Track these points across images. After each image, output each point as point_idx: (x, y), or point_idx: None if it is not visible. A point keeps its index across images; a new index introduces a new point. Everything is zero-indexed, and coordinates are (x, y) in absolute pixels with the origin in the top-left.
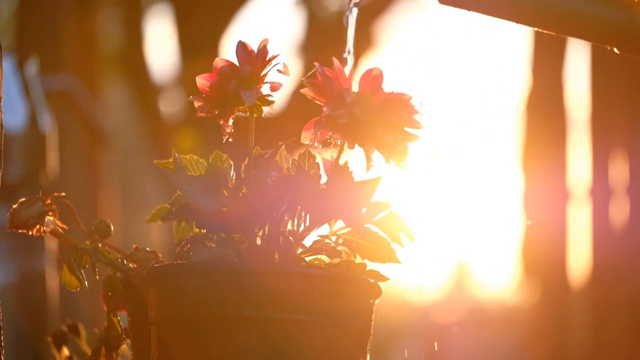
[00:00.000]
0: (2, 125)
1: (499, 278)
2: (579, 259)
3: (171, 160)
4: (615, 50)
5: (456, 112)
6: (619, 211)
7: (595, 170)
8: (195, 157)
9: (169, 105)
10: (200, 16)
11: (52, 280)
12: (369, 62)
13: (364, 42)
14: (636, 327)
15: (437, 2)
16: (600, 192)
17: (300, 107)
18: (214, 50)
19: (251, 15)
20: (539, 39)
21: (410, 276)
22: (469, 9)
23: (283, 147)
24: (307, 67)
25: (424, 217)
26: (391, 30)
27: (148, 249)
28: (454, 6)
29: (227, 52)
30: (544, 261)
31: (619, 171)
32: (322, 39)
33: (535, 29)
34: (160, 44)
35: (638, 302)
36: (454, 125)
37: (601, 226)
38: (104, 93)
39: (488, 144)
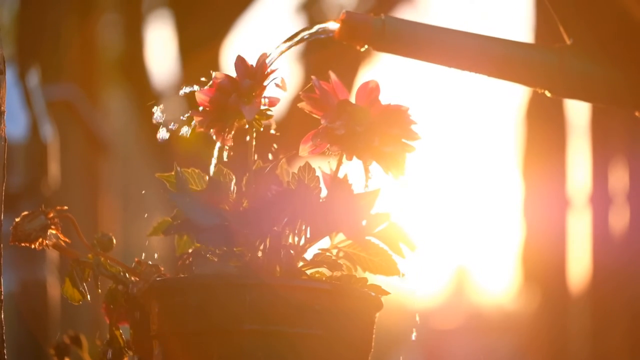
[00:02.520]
0: (6, 139)
1: (498, 284)
2: (579, 266)
3: (172, 173)
4: (547, 93)
5: (456, 119)
6: (619, 218)
7: (595, 177)
8: (197, 171)
9: (171, 113)
10: (201, 23)
11: (53, 290)
12: (368, 69)
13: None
14: (636, 333)
15: (372, 49)
16: (600, 198)
17: (300, 114)
18: (214, 57)
19: (251, 22)
20: (538, 43)
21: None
22: (403, 55)
23: (283, 160)
24: (307, 73)
25: (423, 223)
26: None
27: (150, 263)
28: (389, 52)
29: (228, 58)
30: (544, 267)
31: (619, 178)
32: (322, 45)
33: (469, 73)
34: (161, 51)
35: (637, 308)
36: (454, 131)
37: (601, 233)
38: (105, 101)
39: (488, 151)
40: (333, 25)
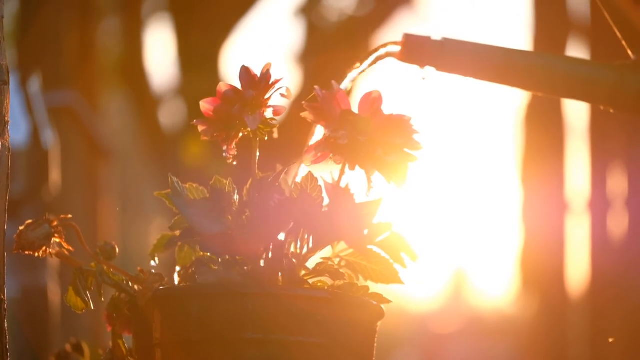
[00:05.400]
0: (10, 149)
1: (497, 288)
2: (578, 270)
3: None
4: (611, 110)
5: (454, 122)
6: (618, 222)
7: (594, 181)
8: (194, 185)
9: (170, 117)
10: (200, 27)
11: (54, 296)
12: (366, 73)
13: (362, 54)
14: (635, 338)
15: (434, 69)
16: (599, 203)
17: (297, 118)
18: (214, 62)
19: (251, 26)
20: (536, 47)
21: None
22: (463, 74)
23: (286, 170)
24: (306, 76)
25: (422, 226)
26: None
27: (153, 271)
28: (449, 72)
29: (227, 63)
30: (543, 272)
31: (618, 182)
32: (321, 49)
33: (530, 92)
34: (161, 56)
35: (636, 313)
36: (452, 135)
37: (600, 237)
38: (105, 107)
39: (487, 154)
40: (396, 48)
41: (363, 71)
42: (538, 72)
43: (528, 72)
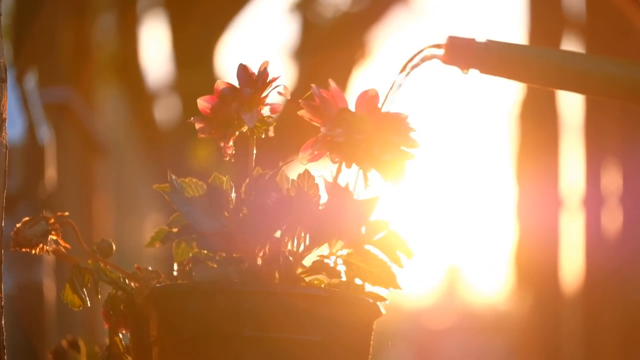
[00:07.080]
0: (7, 147)
1: (491, 284)
2: (572, 267)
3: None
4: None
5: (449, 118)
6: (612, 219)
7: (589, 178)
8: (194, 180)
9: (165, 114)
10: (196, 23)
11: (49, 292)
12: (363, 71)
13: (358, 51)
14: (628, 334)
15: (478, 72)
16: (593, 199)
17: (294, 115)
18: (209, 58)
19: (246, 22)
20: (531, 43)
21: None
22: (508, 77)
23: (283, 168)
24: (301, 73)
25: (416, 222)
26: (385, 38)
27: (150, 269)
28: (493, 75)
29: (223, 59)
30: (537, 268)
31: (612, 179)
32: (316, 46)
33: (576, 93)
34: (157, 52)
35: (630, 309)
36: (447, 131)
37: (594, 234)
38: (101, 103)
39: (481, 151)
40: (439, 51)
41: (408, 74)
42: (587, 75)
43: (576, 75)
